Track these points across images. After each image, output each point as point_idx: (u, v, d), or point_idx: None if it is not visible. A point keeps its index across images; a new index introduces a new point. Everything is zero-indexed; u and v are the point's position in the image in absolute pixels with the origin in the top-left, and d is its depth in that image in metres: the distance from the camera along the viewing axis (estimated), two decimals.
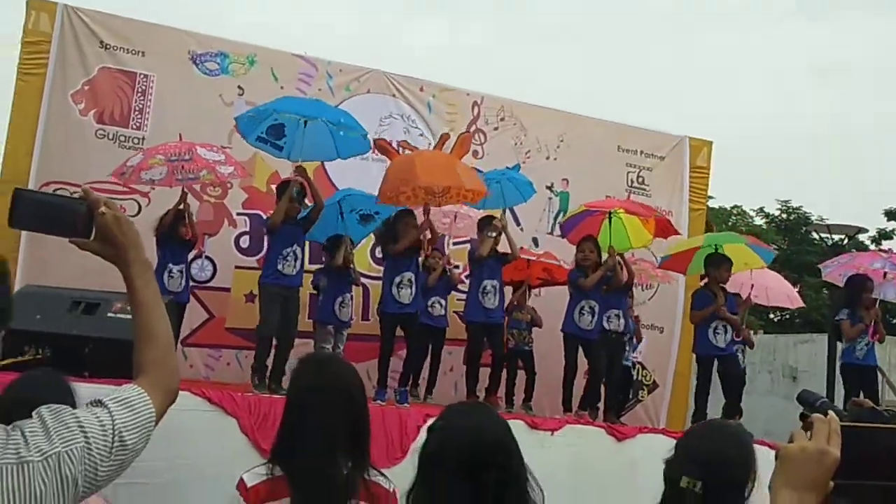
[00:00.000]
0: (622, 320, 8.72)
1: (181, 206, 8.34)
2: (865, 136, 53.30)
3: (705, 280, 8.83)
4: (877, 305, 8.99)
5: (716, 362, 8.32)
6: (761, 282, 9.98)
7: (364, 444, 2.89)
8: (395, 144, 10.36)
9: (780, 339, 20.28)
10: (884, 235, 31.02)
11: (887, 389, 11.54)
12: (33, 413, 1.72)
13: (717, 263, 8.45)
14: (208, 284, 9.38)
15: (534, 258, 9.80)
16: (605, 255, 8.52)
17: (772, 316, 29.01)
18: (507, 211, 10.70)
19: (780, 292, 10.80)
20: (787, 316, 29.32)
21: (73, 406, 2.81)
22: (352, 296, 8.76)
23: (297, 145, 7.83)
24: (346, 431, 2.82)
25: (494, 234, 8.31)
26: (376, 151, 8.88)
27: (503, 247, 8.47)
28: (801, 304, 11.78)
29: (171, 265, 8.27)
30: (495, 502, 2.35)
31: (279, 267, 7.56)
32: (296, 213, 7.73)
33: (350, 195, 8.86)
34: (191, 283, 8.79)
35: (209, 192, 9.46)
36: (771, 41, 57.46)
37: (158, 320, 1.98)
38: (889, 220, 31.21)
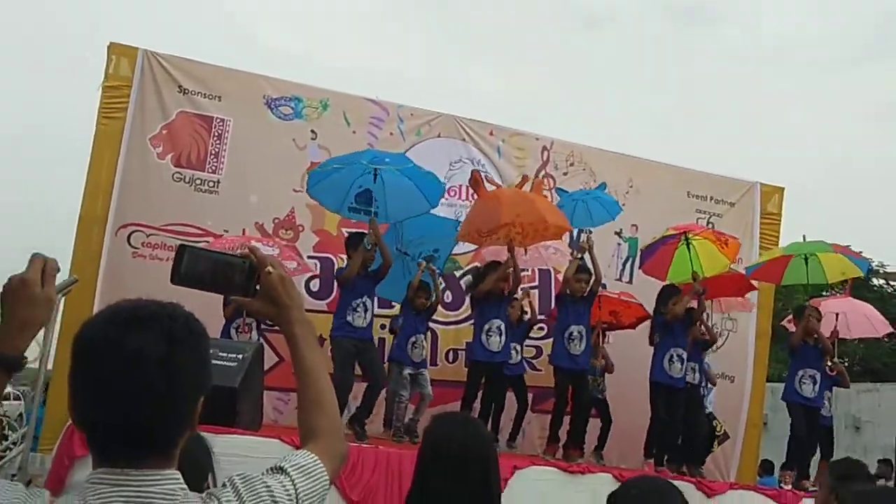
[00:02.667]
0: (698, 374, 8.75)
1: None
2: None
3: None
4: None
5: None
6: (847, 308, 9.84)
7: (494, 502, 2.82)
8: (465, 188, 10.42)
9: (842, 389, 19.74)
10: None
11: None
12: (225, 482, 1.72)
13: (799, 313, 8.32)
14: (277, 328, 9.34)
15: (614, 295, 9.63)
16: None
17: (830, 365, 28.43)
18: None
19: (864, 320, 10.47)
20: (847, 363, 28.77)
21: (211, 463, 2.77)
22: (425, 336, 8.62)
23: (390, 207, 7.97)
24: (477, 494, 2.75)
25: (580, 255, 8.23)
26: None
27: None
28: (889, 329, 11.08)
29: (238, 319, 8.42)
30: None
31: (349, 318, 7.58)
32: (371, 261, 7.73)
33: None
34: (261, 327, 8.85)
35: (281, 234, 9.50)
36: (833, 86, 56.89)
37: (326, 385, 1.98)
38: None
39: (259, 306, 1.95)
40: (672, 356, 8.19)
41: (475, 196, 8.54)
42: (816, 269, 8.35)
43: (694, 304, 8.36)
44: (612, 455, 9.06)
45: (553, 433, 8.10)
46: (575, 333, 8.09)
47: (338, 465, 1.91)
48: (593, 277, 8.30)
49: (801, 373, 8.33)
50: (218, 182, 9.30)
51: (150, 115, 9.16)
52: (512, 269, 7.97)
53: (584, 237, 8.57)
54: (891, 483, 13.97)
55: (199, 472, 2.50)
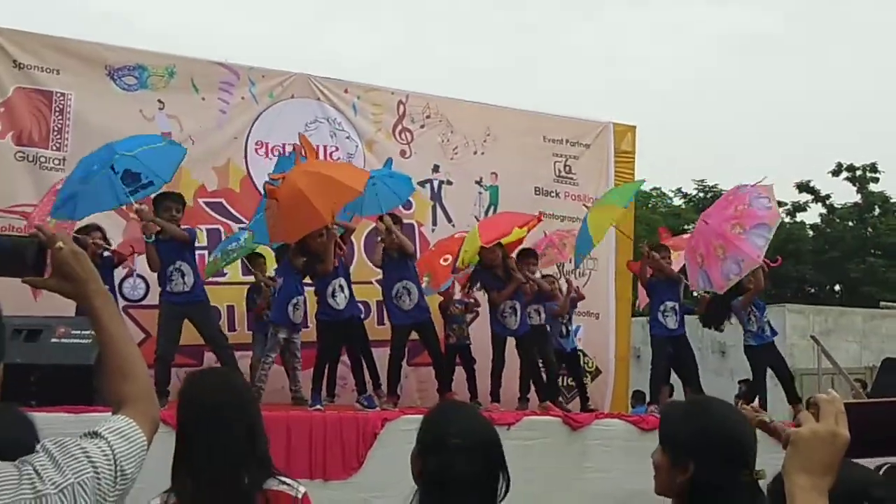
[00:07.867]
0: (542, 315, 9.04)
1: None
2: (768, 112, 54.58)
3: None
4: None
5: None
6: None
7: (262, 456, 2.87)
8: (321, 149, 10.28)
9: None
10: (798, 208, 31.84)
11: (824, 358, 11.90)
12: (38, 447, 1.72)
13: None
14: (142, 303, 9.15)
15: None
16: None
17: (695, 294, 29.57)
18: (438, 208, 10.81)
19: None
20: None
21: (37, 440, 2.72)
22: (305, 298, 8.37)
23: (154, 168, 7.77)
24: (241, 445, 2.80)
25: (380, 239, 8.24)
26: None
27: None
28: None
29: None
30: None
31: (168, 287, 7.52)
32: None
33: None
34: (123, 303, 8.66)
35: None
36: (680, 22, 58.52)
37: (131, 352, 1.98)
38: (800, 192, 32.01)
39: (54, 284, 1.93)
40: (504, 307, 8.40)
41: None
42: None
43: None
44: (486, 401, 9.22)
45: (392, 388, 8.06)
46: (401, 290, 8.05)
47: (153, 428, 1.91)
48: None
49: (663, 306, 8.68)
50: (64, 159, 8.93)
51: None
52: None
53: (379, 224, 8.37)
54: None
55: (21, 449, 2.43)
